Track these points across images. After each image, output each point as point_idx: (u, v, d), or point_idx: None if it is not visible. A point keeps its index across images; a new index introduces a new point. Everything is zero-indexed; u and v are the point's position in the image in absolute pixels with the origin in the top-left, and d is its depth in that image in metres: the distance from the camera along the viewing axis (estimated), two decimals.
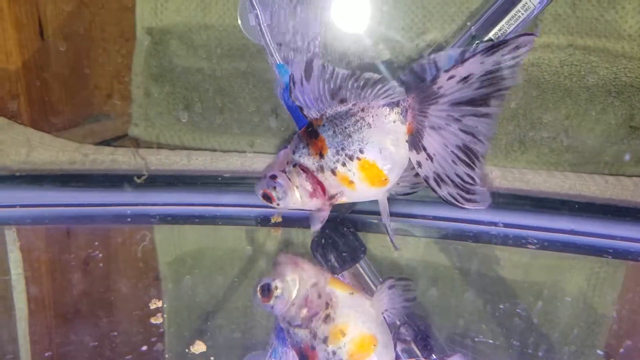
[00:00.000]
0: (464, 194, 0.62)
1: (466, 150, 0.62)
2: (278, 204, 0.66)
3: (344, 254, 0.70)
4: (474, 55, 0.57)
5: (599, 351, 0.51)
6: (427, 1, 0.77)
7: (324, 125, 0.62)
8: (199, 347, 0.50)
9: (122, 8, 0.98)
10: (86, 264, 0.64)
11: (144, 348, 0.50)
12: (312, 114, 0.62)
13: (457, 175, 0.62)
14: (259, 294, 0.59)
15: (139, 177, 0.81)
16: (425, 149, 0.62)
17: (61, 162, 0.81)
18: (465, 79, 0.58)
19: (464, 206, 0.62)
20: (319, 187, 0.64)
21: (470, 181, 0.62)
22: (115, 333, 0.52)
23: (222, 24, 0.87)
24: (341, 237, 0.73)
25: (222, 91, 0.88)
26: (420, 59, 0.65)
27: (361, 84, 0.60)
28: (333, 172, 0.62)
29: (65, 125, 0.96)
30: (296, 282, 0.61)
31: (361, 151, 0.61)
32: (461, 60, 0.58)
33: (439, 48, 0.74)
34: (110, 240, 0.72)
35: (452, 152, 0.62)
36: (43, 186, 0.76)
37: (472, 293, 0.63)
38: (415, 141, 0.61)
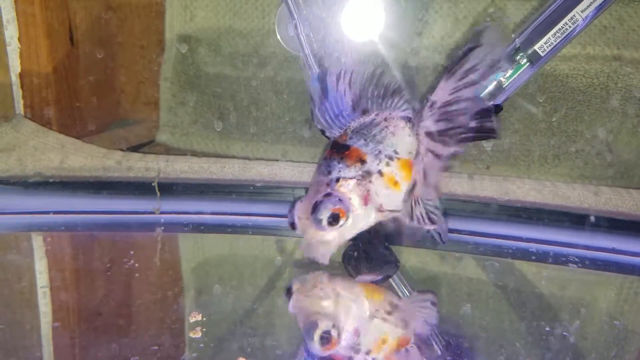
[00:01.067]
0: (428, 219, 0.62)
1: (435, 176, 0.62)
2: (347, 220, 0.60)
3: (377, 268, 0.69)
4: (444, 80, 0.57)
5: None
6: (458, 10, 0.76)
7: (351, 138, 0.61)
8: None
9: (151, 14, 0.98)
10: (110, 272, 0.63)
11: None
12: (334, 133, 0.61)
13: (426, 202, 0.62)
14: (317, 344, 0.52)
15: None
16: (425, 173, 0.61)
17: (93, 169, 0.81)
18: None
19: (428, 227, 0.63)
20: (367, 193, 0.62)
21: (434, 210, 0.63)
22: (143, 341, 0.51)
23: (252, 32, 0.86)
24: (374, 250, 0.72)
25: (252, 99, 0.88)
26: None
27: (381, 92, 0.60)
28: (380, 173, 0.60)
29: (92, 131, 0.96)
30: (347, 316, 0.57)
31: (396, 152, 0.61)
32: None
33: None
34: (137, 247, 0.71)
35: (430, 175, 0.61)
36: (76, 193, 0.76)
37: (507, 310, 0.62)
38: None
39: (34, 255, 0.70)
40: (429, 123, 0.59)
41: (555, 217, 0.74)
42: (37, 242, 0.73)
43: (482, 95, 0.63)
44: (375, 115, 0.61)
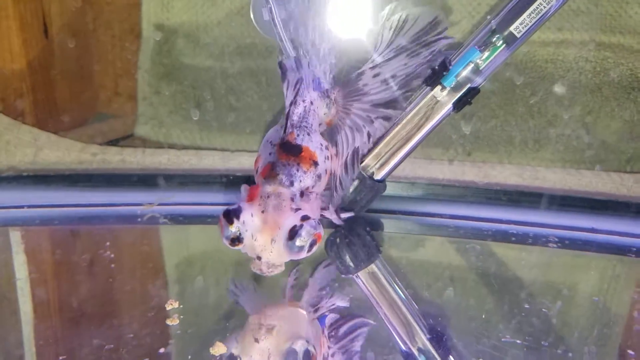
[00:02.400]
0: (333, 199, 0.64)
1: (357, 154, 0.64)
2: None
3: (359, 254, 0.68)
4: (398, 54, 0.60)
5: (630, 352, 0.51)
6: None
7: (298, 135, 0.59)
8: (219, 348, 0.49)
9: (127, 5, 0.96)
10: (91, 266, 0.63)
11: (161, 350, 0.49)
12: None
13: (340, 179, 0.64)
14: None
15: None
16: (336, 145, 0.63)
17: (69, 162, 0.80)
18: (386, 80, 0.61)
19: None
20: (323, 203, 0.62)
21: (341, 188, 0.64)
22: (128, 335, 0.51)
23: (230, 22, 0.85)
24: (356, 237, 0.72)
25: (231, 90, 0.87)
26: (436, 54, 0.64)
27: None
28: (325, 172, 0.61)
29: (70, 125, 0.94)
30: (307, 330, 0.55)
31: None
32: (388, 59, 0.61)
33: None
34: (116, 241, 0.70)
35: (350, 153, 0.63)
36: (51, 186, 0.75)
37: (490, 292, 0.62)
38: (331, 135, 0.63)
39: (12, 251, 0.69)
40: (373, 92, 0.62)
41: (534, 199, 0.74)
42: (15, 237, 0.72)
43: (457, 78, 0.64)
44: (303, 101, 0.60)
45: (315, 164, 0.58)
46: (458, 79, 0.62)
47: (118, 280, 0.60)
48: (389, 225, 0.76)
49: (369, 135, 0.65)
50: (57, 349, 0.49)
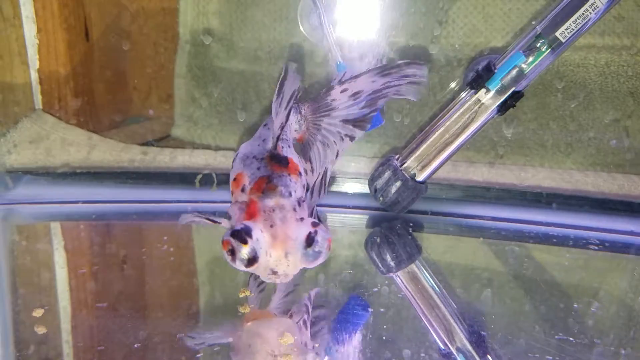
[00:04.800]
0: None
1: (325, 177, 0.63)
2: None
3: (400, 253, 0.69)
4: (367, 72, 0.59)
5: None
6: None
7: (282, 147, 0.57)
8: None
9: (163, 10, 0.98)
10: (124, 262, 0.64)
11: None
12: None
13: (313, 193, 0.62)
14: None
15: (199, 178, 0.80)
16: (311, 162, 0.62)
17: (113, 162, 0.82)
18: (355, 94, 0.60)
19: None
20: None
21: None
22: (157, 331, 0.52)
23: (264, 26, 0.87)
24: (397, 237, 0.73)
25: (264, 93, 0.89)
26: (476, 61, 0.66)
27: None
28: (305, 187, 0.58)
29: (107, 127, 0.96)
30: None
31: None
32: (355, 76, 0.60)
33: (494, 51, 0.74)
34: (150, 237, 0.72)
35: (321, 175, 0.62)
36: (103, 183, 0.77)
37: (525, 294, 0.63)
38: (304, 151, 0.62)
39: (53, 244, 0.71)
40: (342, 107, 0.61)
41: (572, 202, 0.75)
42: (56, 231, 0.74)
43: (501, 81, 0.65)
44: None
45: (300, 174, 0.57)
46: (503, 82, 0.64)
47: (149, 277, 0.61)
48: (429, 226, 0.77)
49: (337, 153, 0.64)
50: (92, 342, 0.51)
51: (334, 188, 0.83)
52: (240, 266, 0.51)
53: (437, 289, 0.62)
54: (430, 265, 0.68)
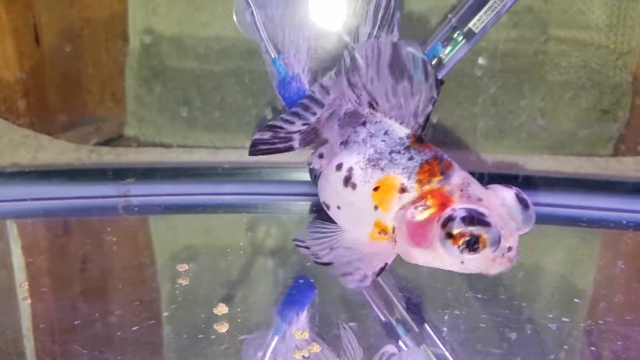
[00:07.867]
0: None
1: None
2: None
3: None
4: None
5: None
6: None
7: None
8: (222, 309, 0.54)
9: (114, 12, 1.00)
10: (85, 259, 0.66)
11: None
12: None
13: None
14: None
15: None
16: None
17: (64, 163, 0.84)
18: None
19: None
20: None
21: None
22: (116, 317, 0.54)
23: (213, 24, 0.90)
24: None
25: (217, 89, 0.92)
26: None
27: None
28: None
29: (61, 129, 0.98)
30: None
31: None
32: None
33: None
34: (107, 235, 0.73)
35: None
36: (51, 181, 0.79)
37: None
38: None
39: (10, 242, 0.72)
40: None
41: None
42: (13, 229, 0.76)
43: None
44: None
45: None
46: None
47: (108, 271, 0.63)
48: None
49: None
50: (53, 339, 0.51)
51: (278, 177, 0.87)
52: (486, 254, 0.44)
53: None
54: None
